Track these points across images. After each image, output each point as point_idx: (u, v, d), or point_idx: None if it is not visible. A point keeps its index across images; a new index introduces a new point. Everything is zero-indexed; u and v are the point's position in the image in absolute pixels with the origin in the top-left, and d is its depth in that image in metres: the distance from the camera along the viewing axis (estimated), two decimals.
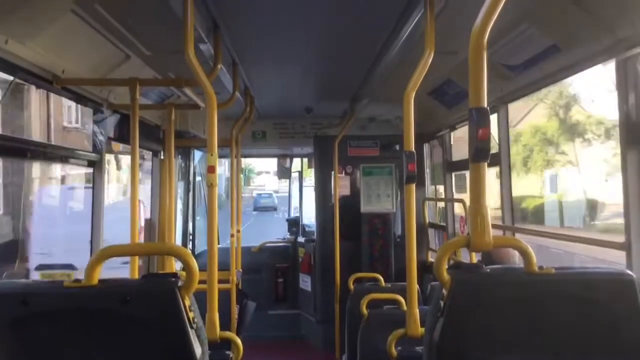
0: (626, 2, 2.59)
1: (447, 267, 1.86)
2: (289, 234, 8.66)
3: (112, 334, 1.77)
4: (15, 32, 2.74)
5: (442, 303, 1.81)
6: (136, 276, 3.49)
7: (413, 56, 2.98)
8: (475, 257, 4.26)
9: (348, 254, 6.59)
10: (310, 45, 4.04)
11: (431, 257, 6.56)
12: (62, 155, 3.98)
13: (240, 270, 5.70)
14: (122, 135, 4.36)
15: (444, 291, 1.81)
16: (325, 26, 3.54)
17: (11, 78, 3.21)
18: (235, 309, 4.99)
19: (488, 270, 1.86)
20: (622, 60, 2.79)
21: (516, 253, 3.46)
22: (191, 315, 1.81)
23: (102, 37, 3.32)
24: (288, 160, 9.04)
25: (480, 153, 1.78)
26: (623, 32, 2.68)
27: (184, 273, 1.88)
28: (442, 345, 1.78)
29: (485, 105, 1.79)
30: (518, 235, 4.32)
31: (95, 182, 4.17)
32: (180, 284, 1.81)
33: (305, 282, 7.52)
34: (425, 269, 6.15)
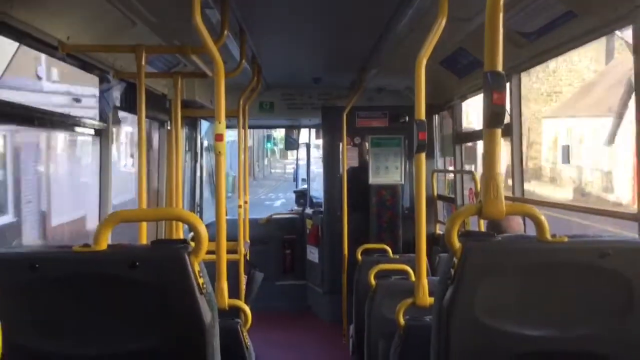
0: None
1: (457, 235, 1.83)
2: (296, 205, 8.67)
3: (121, 299, 1.76)
4: None
5: (452, 271, 1.79)
6: (144, 242, 3.49)
7: (424, 24, 2.92)
8: (484, 228, 4.23)
9: (356, 226, 6.59)
10: (318, 14, 3.96)
11: (440, 229, 6.55)
12: (68, 123, 3.96)
13: (248, 241, 5.72)
14: (129, 104, 4.33)
15: (455, 259, 1.78)
16: None
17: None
18: (243, 279, 5.02)
19: (499, 238, 1.84)
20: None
21: (521, 223, 3.42)
22: (201, 281, 1.80)
23: (108, 3, 3.26)
24: (295, 131, 8.99)
25: (495, 118, 1.74)
26: None
27: (192, 243, 1.86)
28: (452, 312, 1.76)
29: (501, 68, 1.74)
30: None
31: (102, 151, 4.16)
32: (189, 249, 1.79)
33: (313, 254, 7.54)
34: (434, 240, 6.14)
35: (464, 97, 5.63)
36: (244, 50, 4.14)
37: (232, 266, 4.46)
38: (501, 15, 1.76)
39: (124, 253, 1.81)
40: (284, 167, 36.64)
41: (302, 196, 8.63)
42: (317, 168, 9.09)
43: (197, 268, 1.79)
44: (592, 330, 1.79)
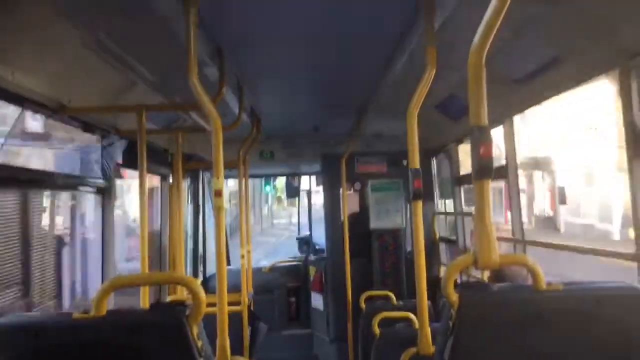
0: (626, 12, 2.59)
1: (455, 285, 1.84)
2: (299, 252, 8.65)
3: None
4: (21, 63, 2.78)
5: (450, 323, 1.80)
6: (147, 303, 3.49)
7: (417, 72, 2.99)
8: (487, 273, 4.23)
9: (359, 271, 6.56)
10: (314, 65, 4.07)
11: (443, 272, 6.51)
12: (70, 183, 4.01)
13: (252, 291, 5.69)
14: (131, 160, 4.39)
15: (452, 311, 1.80)
16: (328, 46, 3.57)
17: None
18: (247, 332, 4.97)
19: (496, 288, 1.85)
20: (626, 70, 2.78)
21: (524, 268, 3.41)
22: (199, 343, 1.81)
23: (108, 65, 3.36)
24: (297, 179, 9.04)
25: (483, 170, 1.77)
26: (624, 42, 2.69)
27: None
28: None
29: (486, 122, 1.79)
30: (529, 248, 4.29)
31: (105, 209, 4.19)
32: (187, 312, 1.81)
33: (317, 301, 7.48)
34: (437, 284, 6.10)
35: (460, 141, 5.69)
36: (243, 103, 4.22)
37: (237, 317, 4.44)
38: (484, 71, 1.82)
39: (123, 319, 1.83)
40: (289, 216, 29.80)
41: (305, 243, 8.63)
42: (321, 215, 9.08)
43: (195, 331, 1.80)
44: None
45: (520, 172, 5.12)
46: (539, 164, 21.68)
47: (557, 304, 1.79)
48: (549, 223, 21.12)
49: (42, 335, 1.74)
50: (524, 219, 4.60)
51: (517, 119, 4.22)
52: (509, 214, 4.58)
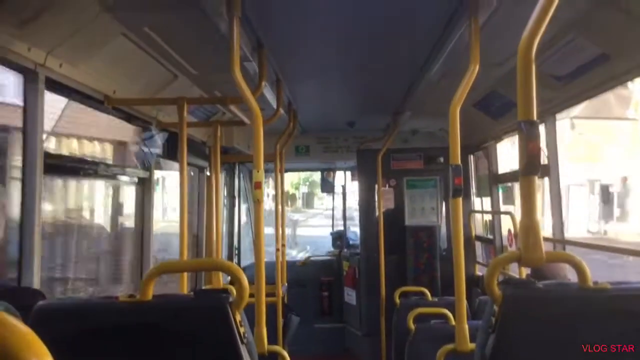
0: None
1: (497, 282, 1.83)
2: (333, 247, 8.67)
3: (164, 349, 1.80)
4: (68, 56, 2.86)
5: (493, 319, 1.78)
6: (184, 290, 3.55)
7: (456, 69, 2.96)
8: (525, 272, 4.17)
9: (393, 268, 6.55)
10: (352, 61, 4.06)
11: (479, 271, 6.45)
12: (112, 172, 4.10)
13: (286, 284, 5.73)
14: (170, 152, 4.47)
15: (495, 307, 1.78)
16: (367, 42, 3.56)
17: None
18: (281, 323, 5.02)
19: (540, 285, 1.83)
20: None
21: (566, 266, 3.36)
22: (242, 330, 1.83)
23: (151, 59, 3.42)
24: (332, 174, 9.07)
25: (530, 166, 1.75)
26: None
27: (231, 287, 1.91)
28: None
29: (535, 117, 1.77)
30: (568, 248, 4.22)
31: (145, 199, 4.28)
32: (231, 299, 1.84)
33: (350, 296, 7.50)
34: (473, 282, 6.05)
35: (499, 139, 5.62)
36: (281, 97, 4.25)
37: (270, 309, 4.48)
38: (533, 64, 1.79)
39: (169, 303, 1.87)
40: (305, 220, 22.29)
41: (338, 238, 8.65)
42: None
43: (238, 318, 1.83)
44: None
45: None
46: None
47: (605, 303, 1.76)
48: None
49: (87, 319, 1.79)
50: None
51: None
52: None
